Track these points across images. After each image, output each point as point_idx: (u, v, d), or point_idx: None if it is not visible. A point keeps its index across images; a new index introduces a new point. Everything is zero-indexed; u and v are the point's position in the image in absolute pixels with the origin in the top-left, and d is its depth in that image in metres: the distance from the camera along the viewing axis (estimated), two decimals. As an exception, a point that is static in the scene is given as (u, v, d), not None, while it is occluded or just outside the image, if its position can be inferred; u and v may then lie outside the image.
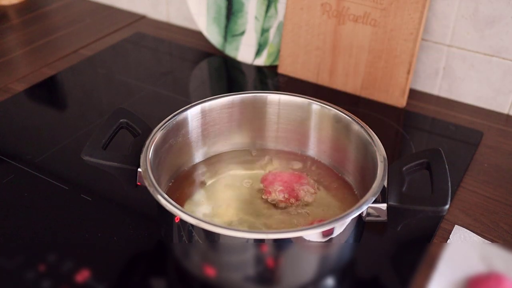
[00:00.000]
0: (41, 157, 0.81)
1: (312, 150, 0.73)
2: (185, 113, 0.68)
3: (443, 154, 0.60)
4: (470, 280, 0.60)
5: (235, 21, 1.06)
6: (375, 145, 0.63)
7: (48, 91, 1.00)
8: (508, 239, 0.69)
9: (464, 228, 0.69)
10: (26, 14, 1.25)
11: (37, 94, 0.98)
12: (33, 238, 0.67)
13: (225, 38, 1.09)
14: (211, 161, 0.72)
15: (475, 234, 0.68)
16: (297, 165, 0.72)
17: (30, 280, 0.61)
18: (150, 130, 0.64)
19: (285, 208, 0.65)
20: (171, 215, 0.55)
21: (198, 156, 0.72)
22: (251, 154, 0.74)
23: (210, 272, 0.59)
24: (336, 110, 0.69)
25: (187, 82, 1.05)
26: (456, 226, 0.70)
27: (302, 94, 0.72)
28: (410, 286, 0.62)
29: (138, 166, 0.60)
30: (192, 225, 0.54)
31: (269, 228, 0.62)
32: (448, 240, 0.68)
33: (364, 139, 0.65)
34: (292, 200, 0.65)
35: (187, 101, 0.90)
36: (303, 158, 0.73)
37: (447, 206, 0.55)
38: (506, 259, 0.62)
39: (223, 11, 1.07)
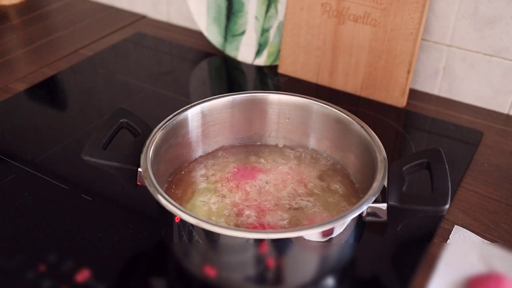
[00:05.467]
0: (41, 157, 0.81)
1: (312, 150, 0.74)
2: (185, 113, 0.68)
3: (443, 154, 0.60)
4: (470, 280, 0.60)
5: (235, 21, 1.06)
6: (375, 145, 0.63)
7: (48, 91, 1.00)
8: (508, 239, 0.69)
9: (464, 228, 0.69)
10: (26, 14, 1.25)
11: (37, 94, 0.98)
12: (33, 238, 0.67)
13: (225, 38, 1.09)
14: (211, 160, 0.72)
15: (474, 235, 0.68)
16: (297, 164, 0.72)
17: (30, 280, 0.61)
18: (150, 130, 0.64)
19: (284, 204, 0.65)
20: (171, 215, 0.55)
21: (198, 156, 0.72)
22: (251, 154, 0.74)
23: (210, 272, 0.59)
24: (336, 110, 0.69)
25: (187, 82, 1.05)
26: (455, 226, 0.70)
27: (302, 94, 0.72)
28: (410, 286, 0.62)
29: (138, 166, 0.60)
30: (192, 225, 0.54)
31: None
32: (448, 241, 0.68)
33: (364, 139, 0.65)
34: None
35: (187, 101, 0.90)
36: (303, 157, 0.73)
37: (447, 206, 0.55)
38: (506, 259, 0.62)
39: (223, 11, 1.07)
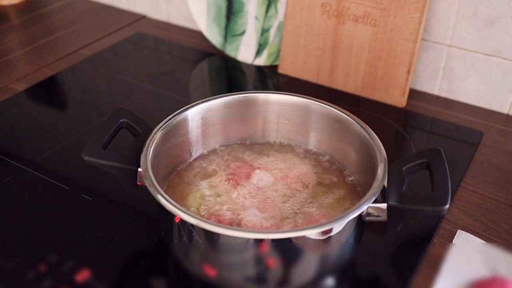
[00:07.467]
0: (41, 157, 0.81)
1: (312, 150, 0.74)
2: (185, 113, 0.68)
3: (443, 154, 0.60)
4: (474, 284, 0.60)
5: (235, 21, 1.06)
6: (375, 145, 0.63)
7: (48, 91, 1.00)
8: (508, 239, 0.69)
9: (466, 233, 0.69)
10: (26, 14, 1.25)
11: (37, 94, 0.98)
12: (33, 238, 0.67)
13: (225, 38, 1.09)
14: (211, 160, 0.72)
15: (478, 238, 0.68)
16: (297, 164, 0.71)
17: (30, 280, 0.61)
18: (150, 130, 0.64)
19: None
20: (171, 215, 0.55)
21: (198, 155, 0.72)
22: (251, 153, 0.74)
23: (210, 272, 0.59)
24: (336, 110, 0.69)
25: (187, 82, 1.05)
26: (459, 230, 0.69)
27: (302, 94, 0.72)
28: (410, 286, 0.62)
29: (138, 166, 0.60)
30: (192, 225, 0.54)
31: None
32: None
33: (364, 139, 0.65)
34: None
35: (187, 101, 0.90)
36: (303, 157, 0.73)
37: (447, 206, 0.55)
38: (510, 263, 0.62)
39: (223, 11, 1.07)
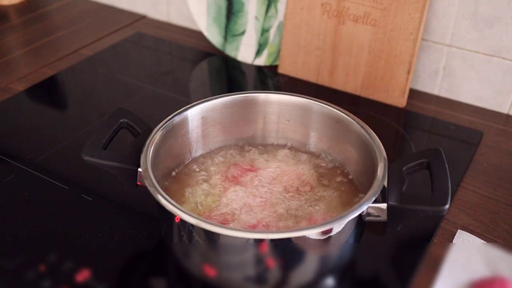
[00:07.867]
0: (41, 157, 0.81)
1: (312, 150, 0.74)
2: (185, 113, 0.68)
3: (443, 154, 0.60)
4: (474, 284, 0.60)
5: (235, 21, 1.06)
6: (375, 145, 0.63)
7: (48, 91, 1.00)
8: (508, 239, 0.69)
9: (466, 233, 0.69)
10: (26, 14, 1.25)
11: (37, 94, 0.98)
12: (33, 238, 0.67)
13: (225, 38, 1.09)
14: (211, 160, 0.72)
15: (478, 238, 0.68)
16: (297, 164, 0.72)
17: (30, 280, 0.61)
18: (150, 130, 0.64)
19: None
20: (171, 215, 0.55)
21: (198, 155, 0.72)
22: (251, 153, 0.74)
23: (210, 272, 0.59)
24: (336, 110, 0.69)
25: (187, 82, 1.05)
26: (459, 230, 0.69)
27: (302, 94, 0.72)
28: (410, 286, 0.62)
29: (138, 166, 0.60)
30: (192, 225, 0.54)
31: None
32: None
33: (364, 139, 0.65)
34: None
35: (187, 101, 0.90)
36: (303, 157, 0.73)
37: (447, 206, 0.55)
38: (510, 263, 0.62)
39: (223, 11, 1.07)
